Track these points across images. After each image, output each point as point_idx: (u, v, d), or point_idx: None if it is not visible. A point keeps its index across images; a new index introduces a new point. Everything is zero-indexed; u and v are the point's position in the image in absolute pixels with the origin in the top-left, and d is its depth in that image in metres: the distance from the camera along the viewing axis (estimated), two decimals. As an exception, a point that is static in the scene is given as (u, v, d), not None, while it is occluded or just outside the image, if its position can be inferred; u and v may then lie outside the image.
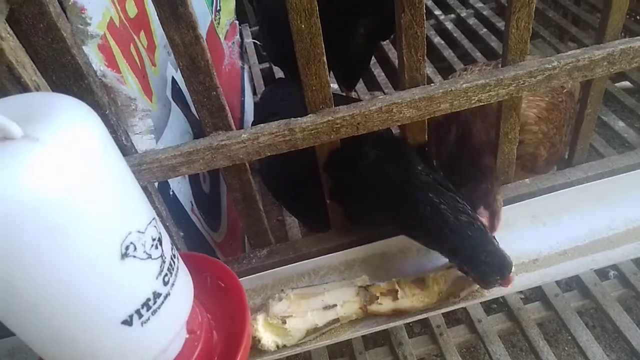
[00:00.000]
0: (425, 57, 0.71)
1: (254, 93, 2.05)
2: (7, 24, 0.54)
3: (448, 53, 1.87)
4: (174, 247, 0.54)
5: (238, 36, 2.16)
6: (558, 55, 0.74)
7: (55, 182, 0.39)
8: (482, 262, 0.70)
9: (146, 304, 0.49)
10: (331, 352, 1.16)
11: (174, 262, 0.51)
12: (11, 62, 0.53)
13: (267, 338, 0.78)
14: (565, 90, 0.96)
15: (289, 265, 0.85)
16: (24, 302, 0.42)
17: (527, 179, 0.90)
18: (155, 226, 0.48)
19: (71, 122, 0.42)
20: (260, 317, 0.76)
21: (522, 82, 0.73)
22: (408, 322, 0.83)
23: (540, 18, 1.98)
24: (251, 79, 2.11)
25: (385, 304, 0.80)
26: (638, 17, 1.72)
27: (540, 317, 1.16)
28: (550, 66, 0.72)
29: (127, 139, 0.73)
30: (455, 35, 1.97)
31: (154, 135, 0.86)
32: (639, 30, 1.74)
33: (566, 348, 1.27)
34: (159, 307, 0.50)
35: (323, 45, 0.66)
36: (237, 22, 2.10)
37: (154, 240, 0.48)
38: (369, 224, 0.87)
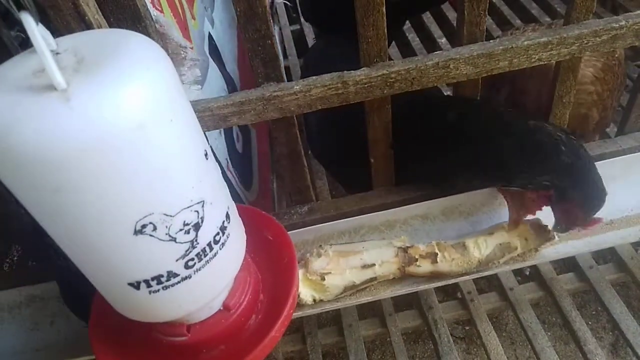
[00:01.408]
0: (486, 12, 0.69)
1: (284, 56, 2.02)
2: (72, -42, 0.53)
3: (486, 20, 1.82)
4: (227, 231, 0.52)
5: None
6: (625, 15, 0.70)
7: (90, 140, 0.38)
8: (594, 183, 0.68)
9: (157, 279, 0.48)
10: (360, 313, 1.18)
11: (209, 250, 0.50)
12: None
13: (305, 293, 0.79)
14: (617, 55, 0.93)
15: (329, 223, 0.85)
16: (62, 228, 0.44)
17: (576, 145, 0.88)
18: (197, 211, 0.46)
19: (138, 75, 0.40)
20: (300, 273, 0.76)
21: (585, 41, 0.70)
22: (446, 284, 0.83)
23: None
24: (281, 41, 2.08)
25: (423, 267, 0.80)
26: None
27: (573, 287, 1.15)
28: (618, 25, 0.69)
29: (179, 87, 0.72)
30: (494, 0, 1.90)
31: (200, 86, 0.85)
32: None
33: (600, 319, 1.27)
34: (172, 285, 0.49)
35: (383, -5, 0.64)
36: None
37: (186, 225, 0.46)
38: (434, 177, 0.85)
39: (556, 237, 0.82)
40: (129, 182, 0.40)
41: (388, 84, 0.70)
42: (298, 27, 2.12)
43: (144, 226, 0.44)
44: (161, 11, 0.74)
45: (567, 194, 0.69)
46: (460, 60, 0.69)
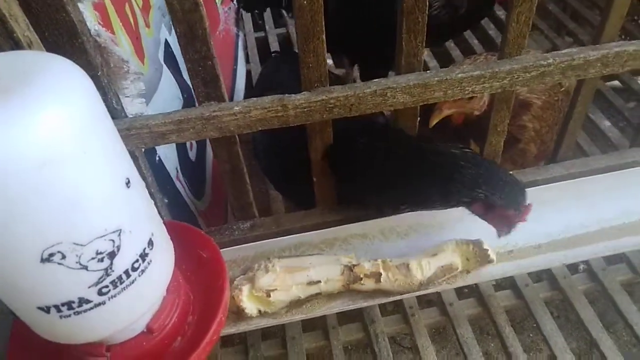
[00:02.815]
0: (424, 44, 0.72)
1: (247, 61, 2.02)
2: (0, -25, 0.52)
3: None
4: (149, 257, 0.52)
5: (234, 1, 2.11)
6: (554, 53, 0.74)
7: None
8: (505, 182, 0.71)
9: (67, 304, 0.48)
10: (304, 325, 1.19)
11: (126, 277, 0.50)
12: (4, 14, 0.52)
13: (251, 307, 0.79)
14: (562, 89, 0.97)
15: (270, 240, 0.86)
16: None
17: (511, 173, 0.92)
18: (113, 240, 0.47)
19: (54, 97, 0.40)
20: (246, 288, 0.77)
21: (516, 76, 0.74)
22: (383, 302, 0.85)
23: (540, 10, 1.98)
24: (245, 47, 2.08)
25: (367, 285, 0.82)
26: (637, 19, 1.73)
27: (509, 304, 1.20)
28: (545, 63, 0.73)
29: (118, 102, 0.72)
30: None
31: (144, 99, 0.84)
32: (636, 32, 1.76)
33: (531, 335, 1.33)
34: (85, 311, 0.49)
35: (323, 23, 0.66)
36: (233, -14, 2.05)
37: (99, 254, 0.46)
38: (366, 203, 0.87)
39: (494, 260, 0.85)
40: (32, 215, 0.40)
41: (327, 109, 0.72)
42: (262, 34, 2.12)
43: (51, 255, 0.43)
44: (105, 25, 0.73)
45: (489, 202, 0.72)
46: (397, 89, 0.72)
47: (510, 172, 0.73)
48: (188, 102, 1.27)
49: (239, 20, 2.11)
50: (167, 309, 0.60)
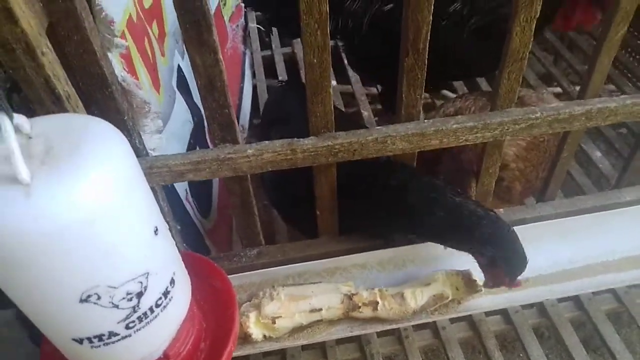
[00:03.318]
0: (422, 96, 0.78)
1: (253, 76, 2.07)
2: (47, 39, 0.58)
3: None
4: (171, 295, 0.58)
5: (243, 19, 2.16)
6: (541, 107, 0.81)
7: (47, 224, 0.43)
8: (514, 252, 0.78)
9: (99, 337, 0.54)
10: (304, 344, 1.25)
11: (150, 313, 0.55)
12: (49, 75, 0.58)
13: (257, 332, 0.86)
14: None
15: (276, 268, 0.93)
16: (16, 292, 0.50)
17: (501, 209, 0.99)
18: (140, 282, 0.52)
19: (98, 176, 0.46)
20: (253, 315, 0.84)
21: (506, 127, 0.80)
22: (380, 330, 0.91)
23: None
24: (252, 65, 2.14)
25: (365, 313, 0.89)
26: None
27: (499, 329, 1.25)
28: (534, 116, 0.80)
29: (140, 142, 0.78)
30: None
31: (162, 135, 0.91)
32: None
33: (520, 355, 1.38)
34: (113, 343, 0.55)
35: (330, 78, 0.72)
36: (242, 4, 2.11)
37: (129, 294, 0.52)
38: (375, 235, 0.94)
39: (482, 290, 0.91)
40: (76, 264, 0.47)
41: (332, 153, 0.78)
42: (269, 52, 2.19)
43: (89, 296, 0.50)
44: (130, 70, 0.79)
45: (493, 261, 0.79)
46: (397, 137, 0.78)
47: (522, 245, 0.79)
48: (198, 125, 1.33)
49: (246, 38, 2.17)
50: (182, 337, 0.66)
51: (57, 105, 0.61)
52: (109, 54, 0.71)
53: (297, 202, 0.97)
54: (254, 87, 2.03)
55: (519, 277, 0.81)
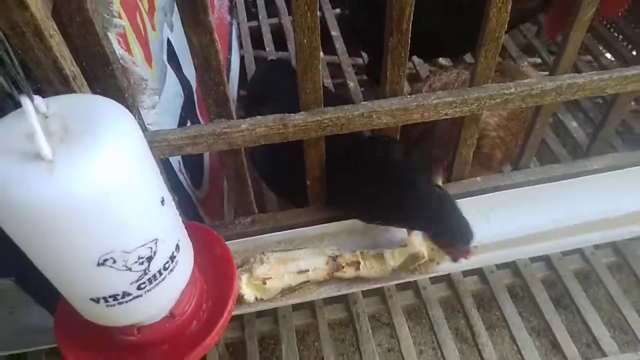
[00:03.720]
0: (405, 73, 0.83)
1: (240, 46, 2.08)
2: (53, 22, 0.62)
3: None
4: (177, 259, 0.64)
5: (229, -12, 2.15)
6: (515, 83, 0.87)
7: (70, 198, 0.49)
8: (457, 227, 0.84)
9: (113, 297, 0.59)
10: (294, 305, 1.33)
11: (160, 274, 0.61)
12: (56, 56, 0.62)
13: (249, 293, 0.93)
14: None
15: (268, 234, 0.99)
16: (41, 257, 0.56)
17: (478, 178, 1.06)
18: (150, 247, 0.58)
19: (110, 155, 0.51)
20: (244, 277, 0.90)
21: (483, 102, 0.86)
22: (364, 289, 0.99)
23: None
24: (239, 36, 2.14)
25: (348, 273, 0.96)
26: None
27: (476, 289, 1.35)
28: (508, 92, 0.86)
29: (140, 118, 0.83)
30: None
31: (157, 110, 0.95)
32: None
33: (496, 314, 1.49)
34: (126, 302, 0.60)
35: (320, 57, 0.77)
36: (227, -26, 2.08)
37: (140, 258, 0.58)
38: (350, 208, 1.00)
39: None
40: (93, 231, 0.52)
41: (321, 127, 0.84)
42: (256, 23, 2.19)
43: (105, 260, 0.55)
44: (126, 48, 0.83)
45: (438, 236, 0.87)
46: (382, 112, 0.84)
47: (466, 219, 0.86)
48: (188, 99, 1.36)
49: (232, 9, 2.16)
50: (186, 297, 0.72)
51: (64, 84, 0.65)
52: (108, 34, 0.75)
53: (285, 175, 1.02)
54: (242, 58, 2.05)
55: (467, 248, 0.87)
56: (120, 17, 0.88)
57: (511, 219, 1.04)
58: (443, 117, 0.87)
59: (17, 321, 1.00)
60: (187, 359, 0.69)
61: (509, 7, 0.76)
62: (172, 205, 0.65)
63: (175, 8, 1.56)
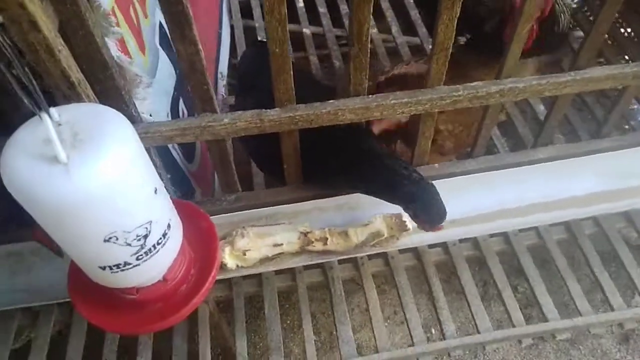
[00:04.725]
0: (367, 76, 0.95)
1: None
2: (61, 38, 0.73)
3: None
4: (168, 236, 0.78)
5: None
6: (464, 85, 0.99)
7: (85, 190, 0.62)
8: (430, 204, 0.97)
9: (117, 265, 0.74)
10: (277, 270, 1.50)
11: (154, 248, 0.75)
12: (64, 67, 0.74)
13: (231, 262, 1.08)
14: None
15: (250, 210, 1.14)
16: (61, 236, 0.70)
17: (435, 164, 1.19)
18: (146, 227, 0.71)
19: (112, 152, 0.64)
20: (227, 249, 1.06)
21: (435, 103, 0.99)
22: (331, 260, 1.15)
23: None
24: (229, 11, 2.21)
25: (317, 247, 1.11)
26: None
27: (438, 259, 1.51)
28: (457, 94, 0.98)
29: (135, 110, 0.95)
30: None
31: (151, 100, 1.07)
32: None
33: (453, 284, 1.67)
34: (127, 269, 0.75)
35: (291, 63, 0.89)
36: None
37: (138, 236, 0.71)
38: (328, 186, 1.14)
39: (410, 228, 1.14)
40: (101, 217, 0.67)
41: (294, 122, 0.97)
42: (247, -1, 2.24)
43: (110, 238, 0.70)
44: (123, 50, 0.94)
45: (415, 213, 1.00)
46: (346, 110, 0.97)
47: (440, 198, 0.98)
48: (180, 77, 1.47)
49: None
50: (177, 265, 0.87)
51: (70, 89, 0.77)
52: (107, 39, 0.86)
53: (269, 156, 1.16)
54: (231, 28, 2.11)
55: (439, 223, 1.02)
56: (114, 14, 0.99)
57: (464, 202, 1.19)
58: (400, 115, 1.00)
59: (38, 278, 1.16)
60: (178, 314, 0.85)
61: (454, 23, 0.87)
62: (164, 192, 0.78)
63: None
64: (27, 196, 0.62)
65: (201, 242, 0.95)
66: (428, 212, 0.98)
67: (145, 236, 0.74)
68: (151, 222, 0.73)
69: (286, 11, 0.80)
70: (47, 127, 0.60)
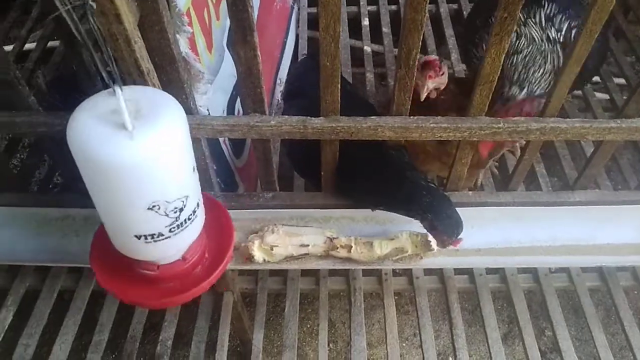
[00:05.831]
0: (410, 98, 1.00)
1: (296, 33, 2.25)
2: (138, 31, 0.83)
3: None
4: (196, 214, 0.85)
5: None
6: (505, 119, 1.01)
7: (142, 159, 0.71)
8: (448, 216, 1.00)
9: (152, 235, 0.82)
10: (303, 271, 1.55)
11: (185, 223, 0.83)
12: (137, 57, 0.83)
13: (259, 255, 1.15)
14: None
15: (285, 210, 1.20)
16: (105, 200, 0.79)
17: (470, 192, 1.21)
18: (182, 201, 0.79)
19: (167, 128, 0.73)
20: (257, 242, 1.12)
21: (474, 132, 1.01)
22: (353, 268, 1.19)
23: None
24: (297, 21, 2.30)
25: (341, 253, 1.16)
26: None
27: (463, 287, 1.51)
28: (497, 126, 1.00)
29: (194, 103, 1.04)
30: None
31: (209, 96, 1.16)
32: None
33: (477, 315, 1.65)
34: (159, 240, 0.83)
35: (339, 77, 0.95)
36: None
37: (175, 208, 0.80)
38: (354, 199, 1.19)
39: (435, 249, 1.16)
40: (151, 183, 0.75)
41: (335, 132, 1.02)
42: (316, 10, 2.33)
43: (154, 206, 0.78)
44: (192, 49, 1.03)
45: (433, 224, 1.03)
46: (386, 127, 1.01)
47: (457, 211, 1.01)
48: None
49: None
50: (194, 247, 0.94)
51: (140, 76, 0.86)
52: (178, 36, 0.96)
53: (308, 161, 1.22)
54: (297, 37, 2.20)
55: (457, 237, 1.03)
56: (189, 15, 1.08)
57: (493, 232, 1.20)
58: (438, 138, 1.03)
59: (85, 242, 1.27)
60: (190, 292, 0.93)
61: (502, 57, 0.90)
62: (197, 174, 0.86)
63: None
64: (90, 155, 0.71)
65: (218, 235, 1.03)
66: (444, 222, 1.00)
67: (181, 209, 0.82)
68: (187, 196, 0.81)
69: (340, 29, 0.86)
70: (119, 98, 0.69)
